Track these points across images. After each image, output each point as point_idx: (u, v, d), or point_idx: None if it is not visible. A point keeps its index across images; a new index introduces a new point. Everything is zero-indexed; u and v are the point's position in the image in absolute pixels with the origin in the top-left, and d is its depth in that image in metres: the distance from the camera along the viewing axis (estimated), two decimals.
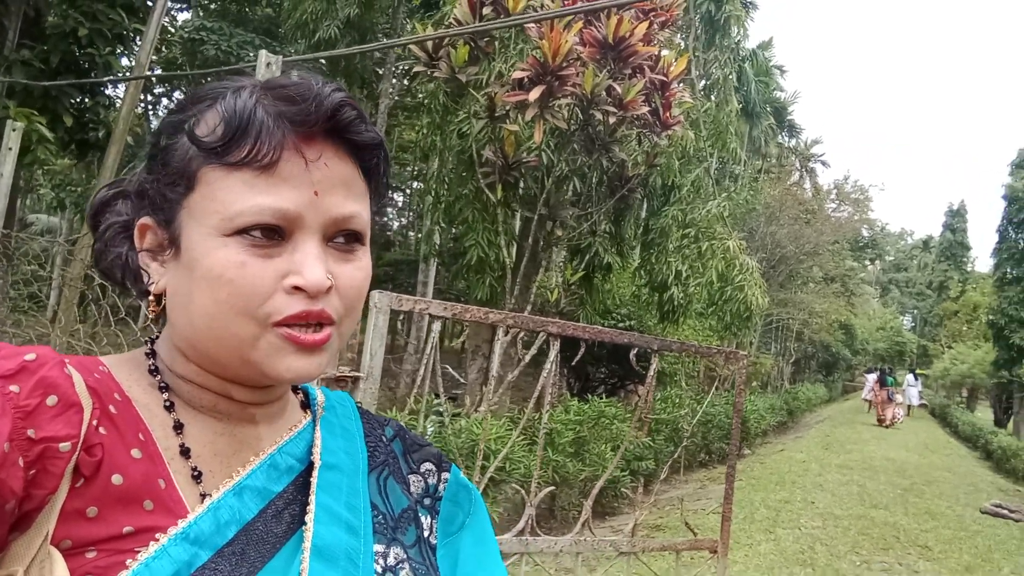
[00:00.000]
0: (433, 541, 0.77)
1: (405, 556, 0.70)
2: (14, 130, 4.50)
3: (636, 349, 2.89)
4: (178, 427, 0.64)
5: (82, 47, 8.38)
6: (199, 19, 17.26)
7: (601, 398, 9.98)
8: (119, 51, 9.42)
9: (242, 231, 0.60)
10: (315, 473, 0.69)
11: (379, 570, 0.67)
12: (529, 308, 7.65)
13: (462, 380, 7.55)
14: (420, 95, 12.17)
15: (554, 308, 7.78)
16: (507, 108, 6.86)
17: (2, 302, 5.14)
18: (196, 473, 0.63)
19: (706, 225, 9.24)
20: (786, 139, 31.81)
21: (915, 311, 56.83)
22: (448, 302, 2.59)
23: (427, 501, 0.79)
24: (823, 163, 34.16)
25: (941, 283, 44.16)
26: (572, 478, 7.80)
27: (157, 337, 0.71)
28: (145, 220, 0.66)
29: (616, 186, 7.74)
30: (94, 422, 0.58)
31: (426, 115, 9.60)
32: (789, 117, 30.94)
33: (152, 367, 0.68)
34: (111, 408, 0.60)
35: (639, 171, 7.75)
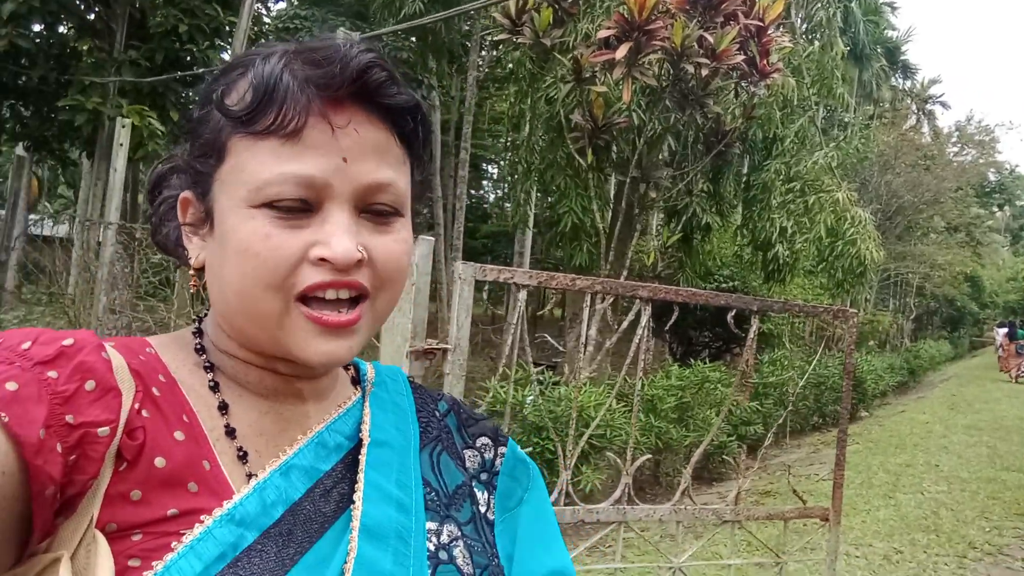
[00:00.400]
0: (491, 517, 0.75)
1: (459, 533, 0.69)
2: (123, 127, 4.76)
3: (734, 311, 2.76)
4: (223, 407, 0.64)
5: (183, 43, 8.78)
6: (292, 8, 17.75)
7: (705, 362, 9.73)
8: (217, 45, 9.83)
9: (269, 202, 0.59)
10: (364, 450, 0.67)
11: (432, 548, 0.66)
12: (625, 273, 7.51)
13: (561, 348, 7.51)
14: (508, 64, 12.10)
15: (651, 272, 7.60)
16: (594, 69, 6.68)
17: (125, 290, 5.51)
18: (242, 453, 0.62)
19: (813, 177, 8.72)
20: (900, 81, 29.72)
21: None
22: (533, 270, 2.55)
23: (484, 476, 0.77)
24: (943, 104, 31.69)
25: None
26: (676, 444, 7.67)
27: (207, 314, 0.71)
28: (186, 194, 0.66)
29: (712, 142, 7.41)
30: (136, 405, 0.57)
31: (513, 83, 9.51)
32: (903, 57, 28.89)
33: (198, 346, 0.67)
34: (154, 390, 0.60)
35: (737, 125, 7.39)
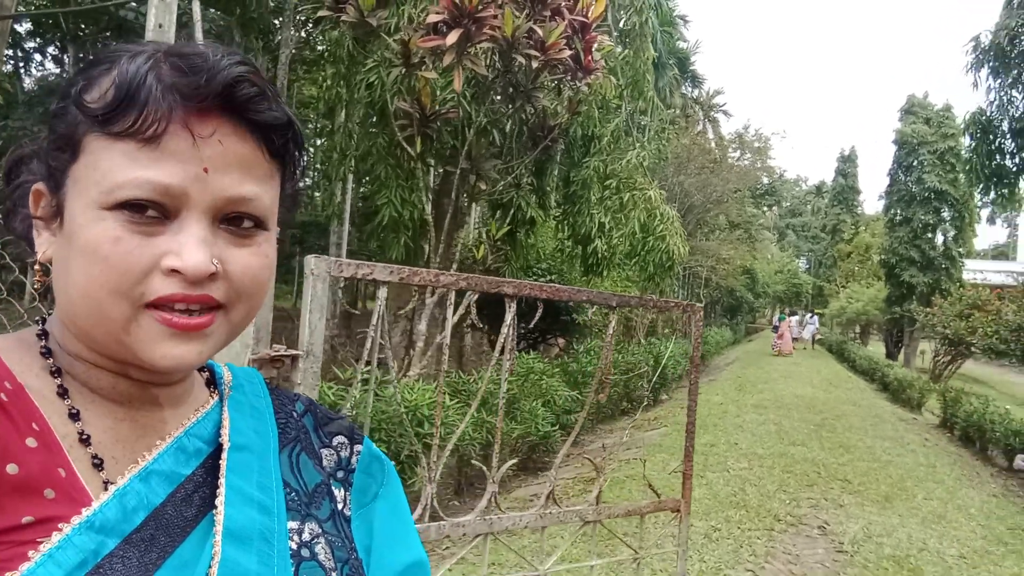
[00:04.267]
0: (348, 513, 0.77)
1: (320, 530, 0.70)
2: None
3: (594, 305, 2.69)
4: (74, 414, 0.62)
5: None
6: None
7: (524, 353, 9.86)
8: None
9: (121, 206, 0.57)
10: (224, 455, 0.67)
11: (294, 547, 0.67)
12: (455, 266, 7.36)
13: (385, 344, 7.19)
14: (321, 45, 11.48)
15: (481, 265, 7.52)
16: (422, 55, 6.44)
17: None
18: (97, 461, 0.61)
19: (627, 175, 9.12)
20: (689, 90, 32.23)
21: (810, 253, 59.74)
22: (394, 265, 2.30)
23: (340, 474, 0.78)
24: (725, 113, 34.89)
25: (835, 226, 46.50)
26: (504, 437, 7.70)
27: (51, 314, 0.68)
28: (38, 186, 0.64)
29: (539, 137, 7.47)
30: None
31: (330, 65, 9.02)
32: (692, 67, 31.31)
33: (44, 349, 0.65)
34: (2, 396, 0.58)
35: (561, 120, 7.50)
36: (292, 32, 13.86)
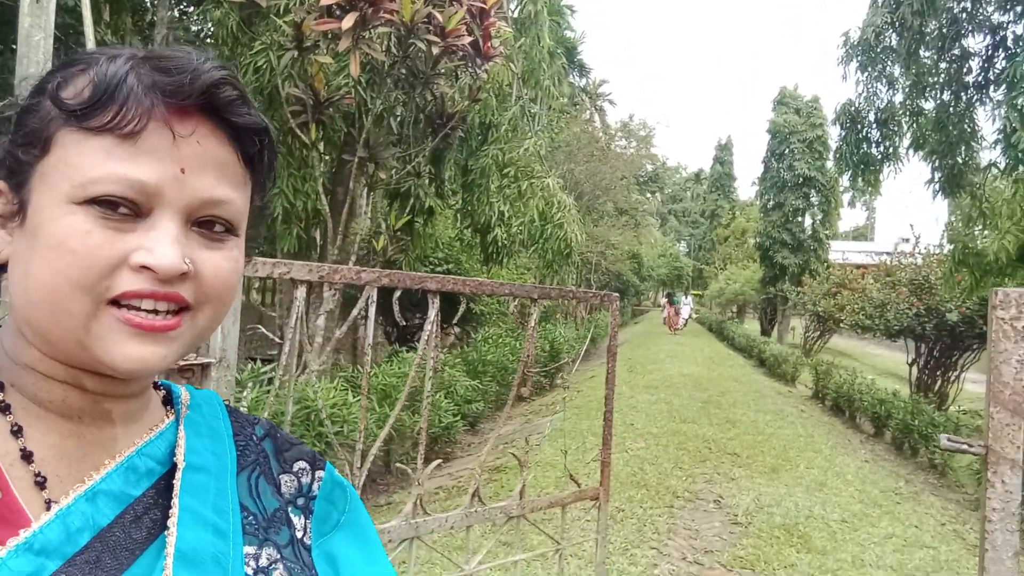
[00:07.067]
0: (307, 542, 0.74)
1: (279, 556, 0.68)
2: None
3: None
4: (16, 431, 0.59)
5: None
6: None
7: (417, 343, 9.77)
8: None
9: (94, 201, 0.56)
10: (178, 475, 0.65)
11: (250, 572, 0.65)
12: (353, 258, 7.15)
13: (277, 340, 6.92)
14: (196, 25, 10.86)
15: (381, 257, 7.33)
16: (315, 38, 6.19)
17: None
18: (40, 479, 0.59)
19: (524, 164, 9.15)
20: (577, 79, 32.76)
21: (690, 238, 62.42)
22: (312, 263, 2.17)
23: (300, 501, 0.76)
24: (610, 102, 35.74)
25: (713, 211, 48.82)
26: (407, 430, 7.61)
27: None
28: None
29: (438, 124, 7.36)
30: None
31: (212, 48, 8.52)
32: (579, 57, 31.83)
33: None
34: None
35: (461, 107, 7.41)
36: (168, 12, 12.99)
